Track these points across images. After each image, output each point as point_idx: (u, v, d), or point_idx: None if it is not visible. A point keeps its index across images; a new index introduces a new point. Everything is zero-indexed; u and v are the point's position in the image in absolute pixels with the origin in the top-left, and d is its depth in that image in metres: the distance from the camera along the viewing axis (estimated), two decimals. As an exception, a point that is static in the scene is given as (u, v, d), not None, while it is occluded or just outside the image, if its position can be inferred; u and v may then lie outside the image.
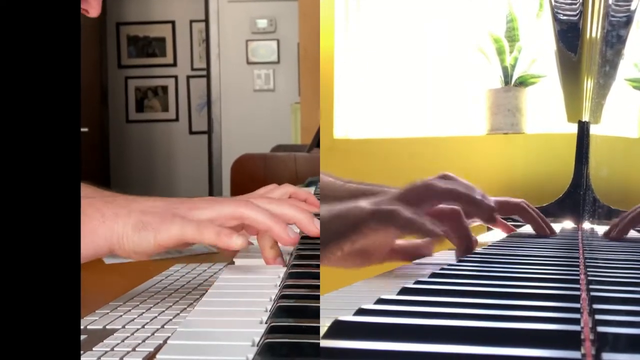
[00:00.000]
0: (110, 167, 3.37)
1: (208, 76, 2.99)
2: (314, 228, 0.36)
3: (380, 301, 0.25)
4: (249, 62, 2.95)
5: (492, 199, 0.47)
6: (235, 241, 0.33)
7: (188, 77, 3.39)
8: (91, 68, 3.20)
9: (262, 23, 2.93)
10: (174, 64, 3.39)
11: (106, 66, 3.40)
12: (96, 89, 3.30)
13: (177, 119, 3.43)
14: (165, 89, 3.43)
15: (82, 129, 2.70)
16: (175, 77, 3.40)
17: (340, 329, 0.20)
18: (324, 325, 0.21)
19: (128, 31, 3.41)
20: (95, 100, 3.27)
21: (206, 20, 2.98)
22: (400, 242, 0.39)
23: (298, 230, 0.37)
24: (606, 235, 0.42)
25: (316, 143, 1.39)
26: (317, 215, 0.50)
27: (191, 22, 3.34)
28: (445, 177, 0.39)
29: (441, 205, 0.37)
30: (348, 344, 0.19)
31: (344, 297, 0.29)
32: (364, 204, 0.35)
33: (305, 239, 0.41)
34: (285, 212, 0.36)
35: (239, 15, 2.93)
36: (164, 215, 0.35)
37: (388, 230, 0.35)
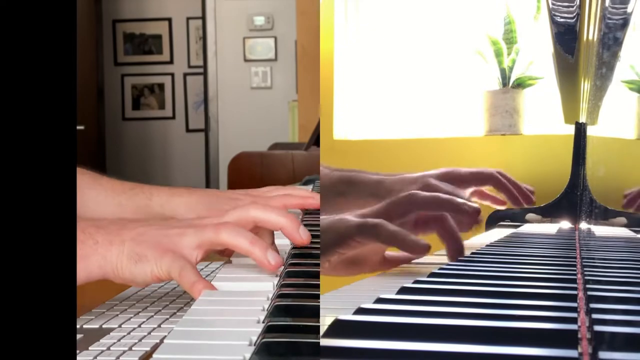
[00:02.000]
0: (106, 165, 3.36)
1: (205, 74, 2.99)
2: (298, 236, 0.36)
3: (380, 300, 0.25)
4: (246, 60, 2.94)
5: (464, 170, 0.47)
6: (198, 292, 0.33)
7: (185, 75, 3.38)
8: (87, 65, 3.19)
9: (259, 20, 2.92)
10: (171, 62, 3.38)
11: (102, 63, 3.39)
12: (92, 86, 3.29)
13: (173, 117, 3.42)
14: (161, 86, 3.42)
15: (78, 127, 2.69)
16: (172, 74, 3.39)
17: (340, 328, 0.20)
18: (324, 324, 0.21)
19: (124, 28, 3.40)
20: (91, 98, 3.26)
21: (203, 17, 2.97)
22: (390, 252, 0.39)
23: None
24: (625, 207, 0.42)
25: (314, 141, 1.39)
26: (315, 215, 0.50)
27: (188, 19, 3.32)
28: (427, 186, 0.39)
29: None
30: (348, 343, 0.19)
31: (343, 296, 0.29)
32: (350, 217, 0.36)
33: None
34: (270, 218, 0.36)
35: (236, 13, 2.92)
36: (157, 247, 0.35)
37: (374, 243, 0.35)
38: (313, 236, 0.37)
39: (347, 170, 0.41)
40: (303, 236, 0.36)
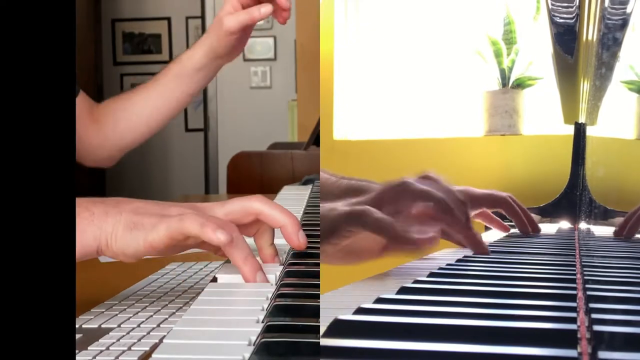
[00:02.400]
0: (105, 164, 3.35)
1: (204, 73, 2.98)
2: (296, 239, 0.36)
3: (380, 300, 0.25)
4: (245, 59, 2.94)
5: (478, 191, 0.47)
6: (219, 236, 0.33)
7: (184, 74, 3.37)
8: (86, 65, 3.18)
9: (259, 20, 2.91)
10: (170, 61, 3.37)
11: (101, 63, 3.38)
12: (91, 86, 3.28)
13: (172, 116, 3.41)
14: (161, 86, 3.41)
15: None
16: (171, 74, 3.38)
17: (340, 328, 0.20)
18: (324, 324, 0.21)
19: (123, 28, 3.39)
20: (91, 97, 3.25)
21: (202, 17, 2.97)
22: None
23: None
24: (617, 234, 0.42)
25: (313, 141, 1.39)
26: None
27: (187, 18, 3.32)
28: (426, 178, 0.39)
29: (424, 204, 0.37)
30: (348, 343, 0.19)
31: (343, 296, 0.29)
32: (340, 205, 0.35)
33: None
34: (274, 215, 0.36)
35: (236, 12, 2.91)
36: (155, 215, 0.34)
37: (363, 232, 0.35)
38: (312, 236, 0.37)
39: (357, 179, 0.41)
40: (301, 239, 0.36)
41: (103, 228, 0.34)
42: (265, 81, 2.94)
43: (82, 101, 0.70)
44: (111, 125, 0.71)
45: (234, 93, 2.94)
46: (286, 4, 0.60)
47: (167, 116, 0.72)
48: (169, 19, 3.36)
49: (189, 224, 0.33)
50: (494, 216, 0.51)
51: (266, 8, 0.57)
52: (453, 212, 0.38)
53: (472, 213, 0.48)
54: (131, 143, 0.73)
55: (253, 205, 0.36)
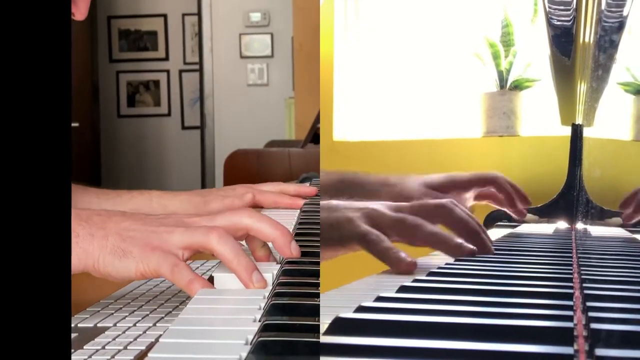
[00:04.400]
0: (101, 162, 3.34)
1: (201, 70, 2.97)
2: (288, 251, 0.36)
3: (380, 299, 0.25)
4: (242, 56, 2.93)
5: (464, 175, 0.47)
6: (195, 290, 0.33)
7: (180, 72, 3.37)
8: (82, 62, 3.17)
9: (256, 16, 2.91)
10: (166, 58, 3.36)
11: (97, 60, 3.37)
12: (87, 83, 3.27)
13: (169, 114, 3.40)
14: (157, 83, 3.40)
15: (73, 124, 2.68)
16: (167, 71, 3.37)
17: (340, 326, 0.20)
18: (324, 322, 0.21)
19: (119, 25, 3.38)
20: (86, 95, 3.24)
21: (199, 14, 2.96)
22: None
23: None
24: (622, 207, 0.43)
25: (310, 138, 1.39)
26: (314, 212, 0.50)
27: (183, 15, 3.31)
28: (442, 207, 0.39)
29: (429, 200, 0.38)
30: (348, 340, 0.19)
31: (343, 295, 0.29)
32: (358, 219, 0.36)
33: (298, 236, 0.41)
34: (262, 229, 0.36)
35: (232, 9, 2.91)
36: (143, 244, 0.34)
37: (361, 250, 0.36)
38: (310, 234, 0.37)
39: (348, 172, 0.42)
40: (293, 252, 0.36)
41: (89, 251, 0.34)
42: (262, 78, 2.93)
43: None
44: None
45: (230, 90, 2.93)
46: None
47: None
48: (165, 16, 3.34)
49: (180, 277, 0.33)
50: (489, 193, 0.51)
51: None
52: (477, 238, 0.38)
53: (467, 196, 0.48)
54: None
55: (243, 221, 0.36)
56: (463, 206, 0.40)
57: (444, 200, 0.39)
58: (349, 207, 0.37)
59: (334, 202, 0.37)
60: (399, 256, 0.35)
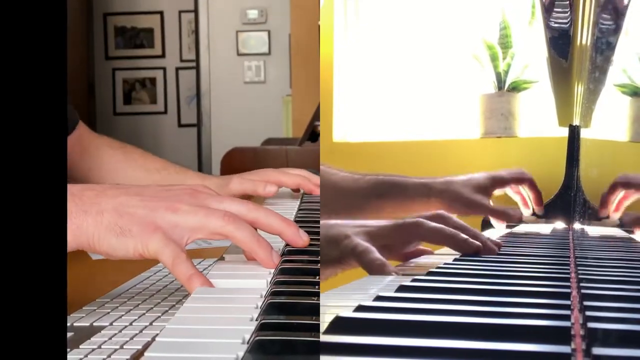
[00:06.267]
0: (97, 159, 3.32)
1: (197, 68, 2.97)
2: (300, 240, 0.36)
3: (379, 298, 0.25)
4: (239, 54, 2.93)
5: (502, 172, 0.48)
6: (194, 287, 0.32)
7: (177, 69, 3.36)
8: (78, 59, 3.15)
9: (253, 13, 2.90)
10: (163, 56, 3.35)
11: (93, 57, 3.35)
12: (83, 81, 3.25)
13: (165, 112, 3.39)
14: (153, 80, 3.39)
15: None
16: (164, 68, 3.36)
17: (340, 325, 0.20)
18: (324, 321, 0.21)
19: (115, 22, 3.36)
20: (82, 93, 3.23)
21: (195, 11, 2.95)
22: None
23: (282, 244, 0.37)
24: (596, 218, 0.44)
25: (308, 136, 1.39)
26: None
27: (180, 12, 3.29)
28: (438, 217, 0.40)
29: (425, 214, 0.39)
30: (347, 339, 0.19)
31: (343, 294, 0.29)
32: (352, 235, 0.37)
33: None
34: (271, 223, 0.36)
35: (229, 6, 2.90)
36: (144, 223, 0.32)
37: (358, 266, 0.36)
38: (308, 233, 0.37)
39: (384, 174, 0.43)
40: (304, 238, 0.36)
41: (83, 228, 0.32)
42: (259, 76, 2.92)
43: (80, 132, 0.67)
44: (96, 168, 0.68)
45: (227, 88, 2.92)
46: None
47: None
48: (161, 13, 3.33)
49: (180, 269, 0.32)
50: (528, 190, 0.52)
51: (271, 187, 0.60)
52: (465, 245, 0.38)
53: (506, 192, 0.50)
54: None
55: (250, 214, 0.35)
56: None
57: (439, 211, 0.40)
58: (348, 225, 0.37)
59: (333, 221, 0.37)
60: (384, 265, 0.35)
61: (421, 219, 0.37)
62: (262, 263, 0.34)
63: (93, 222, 0.32)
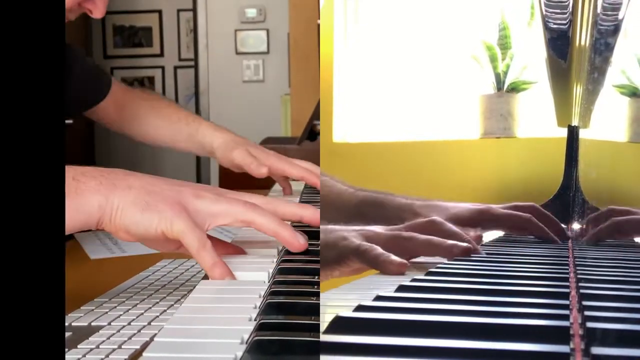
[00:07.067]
0: (95, 159, 3.32)
1: (196, 67, 2.96)
2: (297, 243, 0.36)
3: (379, 298, 0.25)
4: (237, 53, 2.92)
5: (499, 212, 0.47)
6: (221, 277, 0.33)
7: (175, 68, 3.35)
8: (76, 57, 3.14)
9: (251, 12, 2.90)
10: (161, 54, 3.34)
11: (91, 56, 3.34)
12: (81, 79, 3.24)
13: (164, 110, 3.38)
14: (152, 79, 3.38)
15: (67, 121, 2.65)
16: (162, 67, 3.36)
17: (340, 325, 0.20)
18: (324, 321, 0.21)
19: (114, 20, 3.35)
20: (81, 91, 3.21)
21: (194, 9, 2.94)
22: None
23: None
24: (591, 239, 0.43)
25: (307, 135, 1.39)
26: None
27: (178, 11, 3.29)
28: (432, 223, 0.40)
29: (418, 220, 0.39)
30: (348, 339, 0.19)
31: (343, 294, 0.29)
32: (350, 236, 0.37)
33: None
34: (285, 213, 0.37)
35: (228, 4, 2.90)
36: (172, 202, 0.33)
37: (363, 265, 0.37)
38: (306, 232, 0.37)
39: (373, 191, 0.44)
40: (301, 241, 0.36)
41: (110, 199, 0.33)
42: (258, 75, 2.92)
43: (116, 90, 0.75)
44: (130, 118, 0.75)
45: (226, 87, 2.92)
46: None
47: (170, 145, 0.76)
48: (160, 12, 3.32)
49: (203, 258, 0.33)
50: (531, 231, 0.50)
51: (264, 169, 0.64)
52: (452, 251, 0.39)
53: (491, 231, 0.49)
54: (141, 140, 0.78)
55: (247, 215, 0.35)
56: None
57: (433, 217, 0.40)
58: (346, 229, 0.38)
59: (331, 226, 0.38)
60: (389, 259, 0.35)
61: (414, 234, 0.38)
62: (288, 245, 0.35)
63: (120, 194, 0.33)
